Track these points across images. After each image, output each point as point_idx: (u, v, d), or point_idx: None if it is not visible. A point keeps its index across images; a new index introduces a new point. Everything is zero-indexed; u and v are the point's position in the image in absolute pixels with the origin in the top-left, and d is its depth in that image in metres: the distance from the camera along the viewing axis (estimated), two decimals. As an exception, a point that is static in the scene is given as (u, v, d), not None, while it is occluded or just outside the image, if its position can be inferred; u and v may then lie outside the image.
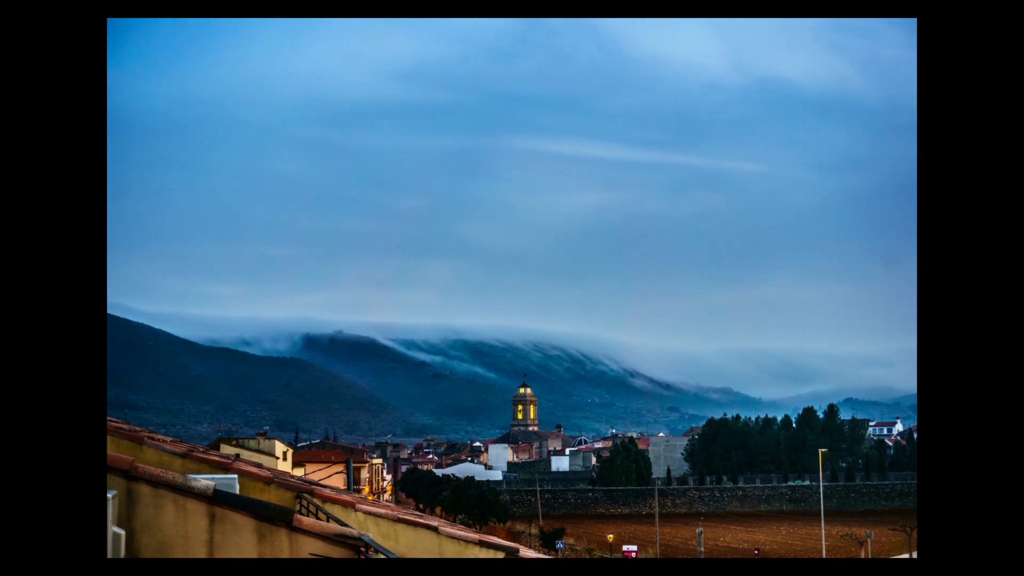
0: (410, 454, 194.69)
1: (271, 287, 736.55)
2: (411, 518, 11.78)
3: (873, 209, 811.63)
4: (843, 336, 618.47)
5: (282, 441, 61.17)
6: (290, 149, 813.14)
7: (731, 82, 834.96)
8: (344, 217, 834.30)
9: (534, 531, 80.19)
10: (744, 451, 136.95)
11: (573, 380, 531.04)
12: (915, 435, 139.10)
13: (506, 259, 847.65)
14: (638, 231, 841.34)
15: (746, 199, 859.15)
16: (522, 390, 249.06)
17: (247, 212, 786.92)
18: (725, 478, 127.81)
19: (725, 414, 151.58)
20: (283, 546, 7.52)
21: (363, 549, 7.52)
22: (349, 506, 11.63)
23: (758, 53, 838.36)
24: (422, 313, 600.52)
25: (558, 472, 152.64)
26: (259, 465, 13.63)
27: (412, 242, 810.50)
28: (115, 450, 9.04)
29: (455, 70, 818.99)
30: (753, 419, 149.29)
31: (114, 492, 7.10)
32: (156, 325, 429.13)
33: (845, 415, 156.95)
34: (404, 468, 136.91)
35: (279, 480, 12.06)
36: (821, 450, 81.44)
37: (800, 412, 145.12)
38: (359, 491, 64.32)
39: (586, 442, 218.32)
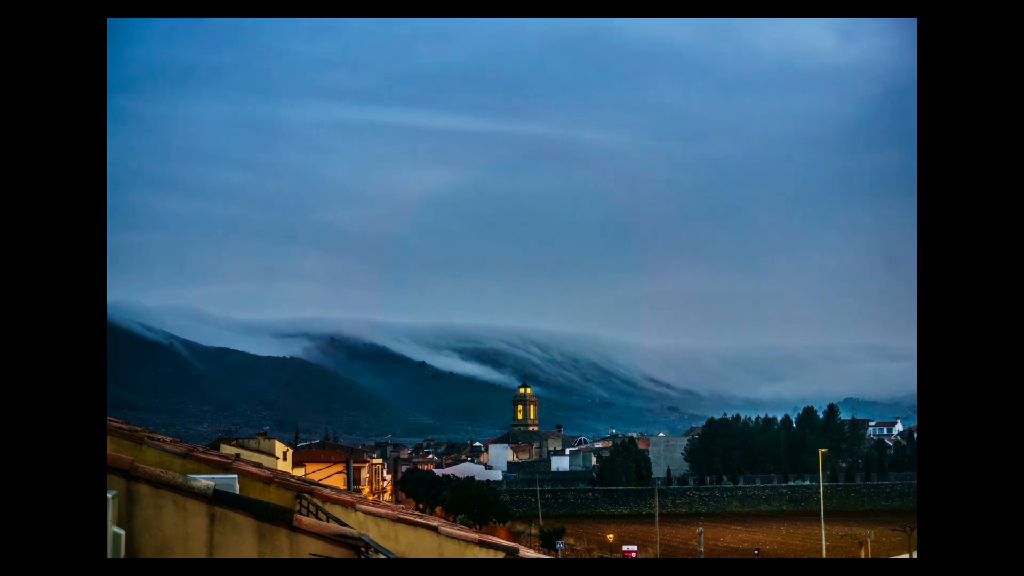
0: (410, 454, 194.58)
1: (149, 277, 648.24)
2: (411, 518, 11.78)
3: (764, 184, 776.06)
4: (843, 335, 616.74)
5: (282, 441, 61.13)
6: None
7: (534, 28, 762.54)
8: (167, 197, 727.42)
9: (534, 531, 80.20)
10: (744, 451, 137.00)
11: (573, 379, 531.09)
12: (915, 435, 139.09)
13: (388, 247, 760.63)
14: (523, 213, 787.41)
15: (615, 175, 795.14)
16: (522, 390, 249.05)
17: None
18: (725, 478, 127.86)
19: (725, 414, 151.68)
20: (283, 546, 7.52)
21: (363, 549, 7.52)
22: (349, 506, 11.63)
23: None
24: (420, 313, 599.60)
25: (558, 472, 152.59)
26: (259, 465, 13.63)
27: (271, 227, 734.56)
28: (115, 450, 9.03)
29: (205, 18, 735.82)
30: (753, 419, 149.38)
31: (114, 492, 7.09)
32: (156, 325, 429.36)
33: (845, 415, 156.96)
34: (404, 468, 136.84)
35: (279, 480, 12.06)
36: (821, 450, 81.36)
37: (800, 412, 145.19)
38: (359, 491, 64.31)
39: (586, 442, 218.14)
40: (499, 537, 15.53)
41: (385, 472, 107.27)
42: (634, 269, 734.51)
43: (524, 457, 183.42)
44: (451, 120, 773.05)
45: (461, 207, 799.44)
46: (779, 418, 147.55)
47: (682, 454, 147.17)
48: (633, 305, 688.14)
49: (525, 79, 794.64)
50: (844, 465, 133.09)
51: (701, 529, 75.78)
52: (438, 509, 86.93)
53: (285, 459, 49.52)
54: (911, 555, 51.46)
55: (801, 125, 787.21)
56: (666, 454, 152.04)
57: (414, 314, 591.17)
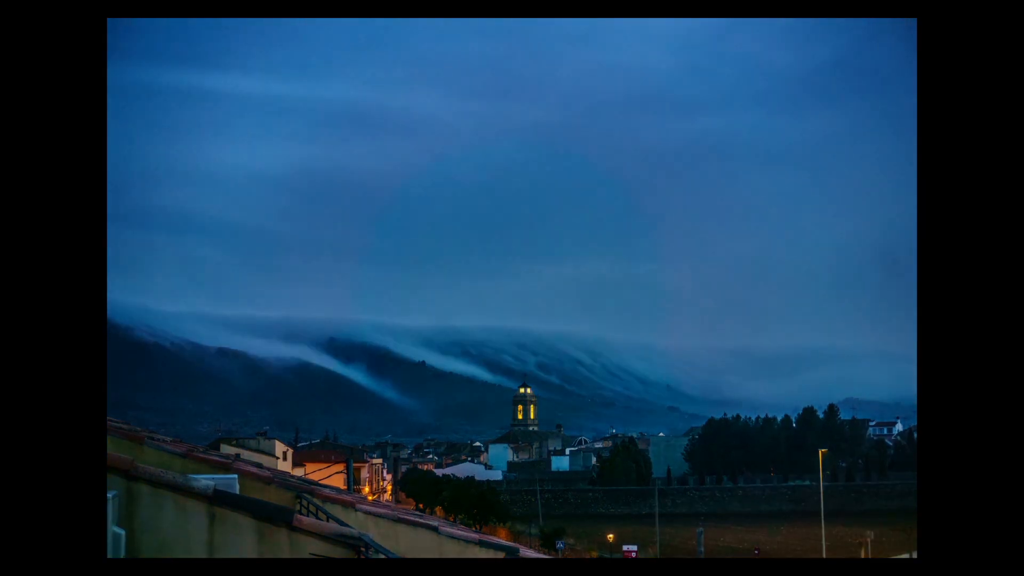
0: (410, 454, 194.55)
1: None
2: (411, 518, 11.78)
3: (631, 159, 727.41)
4: (843, 335, 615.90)
5: (282, 441, 61.17)
6: None
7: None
8: None
9: (534, 531, 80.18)
10: (744, 451, 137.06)
11: (573, 380, 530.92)
12: (915, 435, 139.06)
13: (267, 239, 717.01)
14: (405, 194, 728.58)
15: (454, 149, 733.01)
16: (522, 390, 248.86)
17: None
18: (725, 478, 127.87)
19: (725, 414, 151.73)
20: (283, 546, 7.52)
21: (363, 549, 7.52)
22: (349, 506, 11.63)
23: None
24: (419, 313, 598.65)
25: (558, 472, 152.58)
26: (259, 465, 13.64)
27: (137, 213, 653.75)
28: (115, 450, 9.03)
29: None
30: (753, 419, 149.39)
31: (114, 492, 7.09)
32: (158, 325, 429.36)
33: (845, 415, 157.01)
34: (404, 468, 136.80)
35: (279, 480, 12.06)
36: (821, 450, 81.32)
37: (800, 412, 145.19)
38: (359, 491, 64.31)
39: (586, 442, 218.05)
40: (499, 537, 15.54)
41: (385, 472, 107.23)
42: (632, 266, 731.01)
43: (524, 457, 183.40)
44: (244, 83, 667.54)
45: (322, 188, 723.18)
46: (779, 418, 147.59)
47: (682, 454, 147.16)
48: (634, 305, 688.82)
49: (294, 31, 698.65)
50: (844, 465, 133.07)
51: (701, 529, 75.79)
52: (438, 509, 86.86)
53: (285, 459, 49.54)
54: (911, 555, 51.44)
55: (624, 82, 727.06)
56: (666, 454, 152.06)
57: (414, 314, 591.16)
